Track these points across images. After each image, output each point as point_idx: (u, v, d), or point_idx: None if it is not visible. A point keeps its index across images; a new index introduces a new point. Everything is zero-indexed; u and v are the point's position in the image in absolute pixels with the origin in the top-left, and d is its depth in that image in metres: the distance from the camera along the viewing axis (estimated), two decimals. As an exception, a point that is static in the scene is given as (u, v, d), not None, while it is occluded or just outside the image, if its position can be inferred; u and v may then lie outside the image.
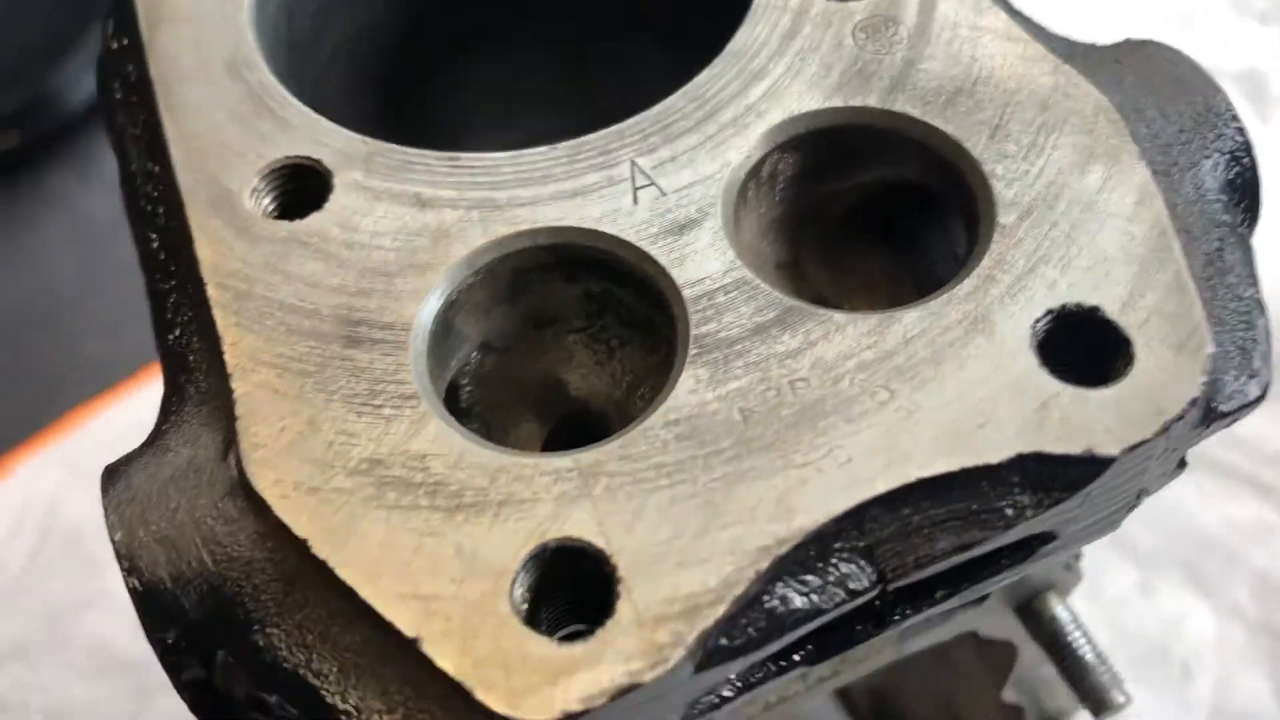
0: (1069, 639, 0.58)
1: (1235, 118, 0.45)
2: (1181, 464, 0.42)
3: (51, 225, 1.31)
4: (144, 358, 1.12)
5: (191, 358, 0.42)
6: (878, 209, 0.48)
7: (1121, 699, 0.58)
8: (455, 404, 0.45)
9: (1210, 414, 0.39)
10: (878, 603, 0.38)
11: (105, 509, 0.38)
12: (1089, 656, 0.58)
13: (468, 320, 0.43)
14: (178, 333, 0.42)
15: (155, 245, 0.44)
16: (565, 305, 0.44)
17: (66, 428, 1.12)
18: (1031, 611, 0.59)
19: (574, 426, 0.46)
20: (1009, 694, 0.70)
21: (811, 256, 0.48)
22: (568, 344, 0.45)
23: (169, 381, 0.42)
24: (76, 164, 1.32)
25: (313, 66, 0.56)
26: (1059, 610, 0.58)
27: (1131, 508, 0.42)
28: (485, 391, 0.45)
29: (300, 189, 0.44)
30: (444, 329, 0.42)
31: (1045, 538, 0.39)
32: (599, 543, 0.35)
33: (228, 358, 0.40)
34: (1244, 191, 0.45)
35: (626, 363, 0.45)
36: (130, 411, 1.10)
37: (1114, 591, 1.02)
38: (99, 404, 1.12)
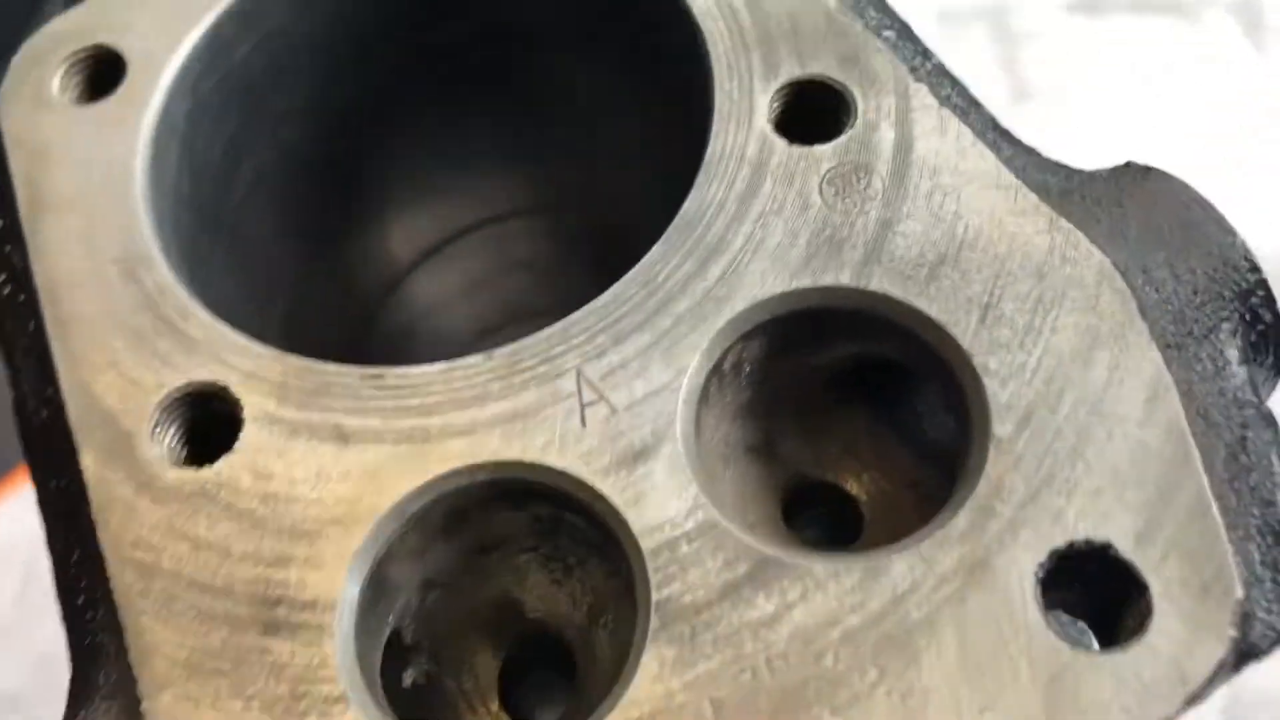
0: None
1: (1254, 267, 0.40)
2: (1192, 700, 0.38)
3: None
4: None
5: (99, 638, 0.37)
6: (857, 375, 0.43)
7: None
8: (399, 643, 0.40)
9: (1242, 658, 0.35)
10: None
11: None
12: None
13: (402, 569, 0.38)
14: (81, 603, 0.38)
15: (52, 489, 0.40)
16: (513, 529, 0.40)
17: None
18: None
19: (535, 649, 0.42)
20: None
21: (787, 434, 0.43)
22: (519, 564, 0.41)
23: (75, 669, 0.37)
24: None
25: (229, 208, 0.51)
26: None
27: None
28: (433, 627, 0.41)
29: (206, 420, 0.39)
30: (375, 590, 0.37)
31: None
32: None
33: (132, 655, 0.35)
34: (1267, 350, 0.40)
35: (586, 581, 0.41)
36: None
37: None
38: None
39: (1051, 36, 1.24)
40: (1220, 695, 1.01)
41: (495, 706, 0.42)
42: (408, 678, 0.41)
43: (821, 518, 0.44)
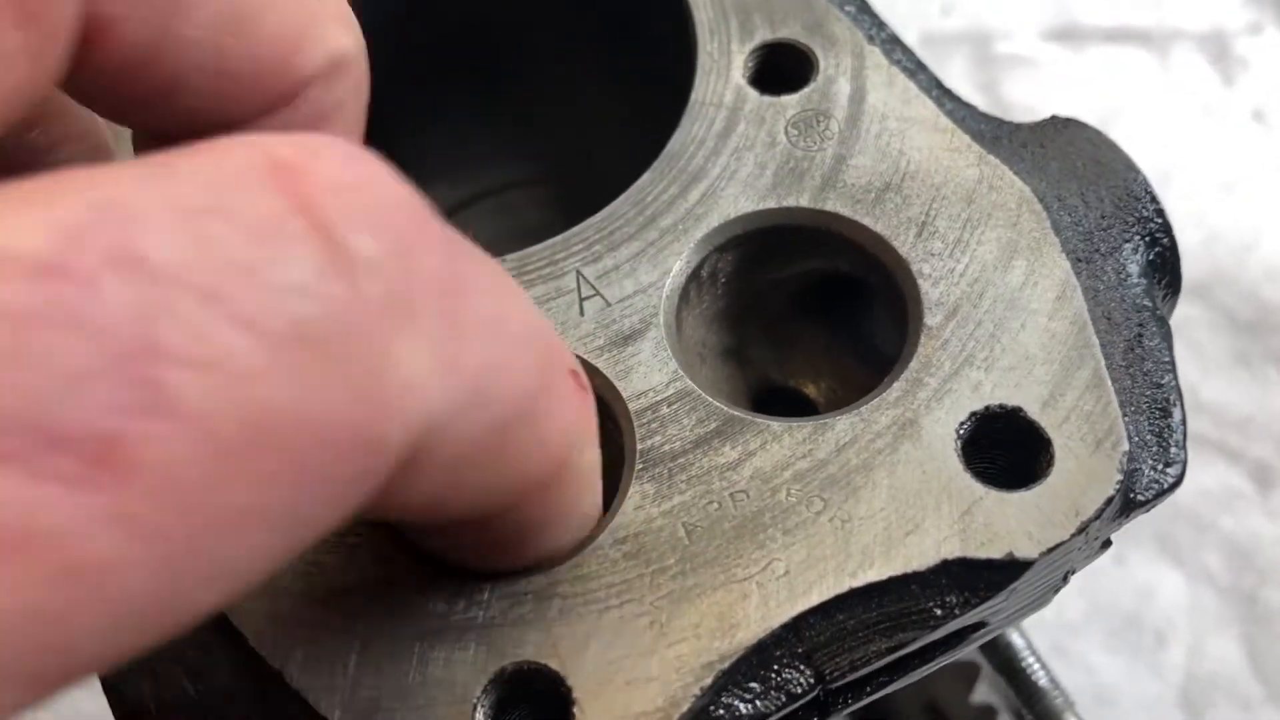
0: (1022, 664, 0.61)
1: (1154, 199, 0.47)
2: (1106, 543, 0.44)
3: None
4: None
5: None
6: (817, 293, 0.50)
7: (1075, 721, 0.61)
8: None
9: (1129, 504, 0.42)
10: (820, 698, 0.41)
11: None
12: (1042, 682, 0.61)
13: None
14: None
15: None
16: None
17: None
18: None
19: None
20: (982, 695, 0.73)
21: (756, 341, 0.50)
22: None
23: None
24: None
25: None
26: (1014, 637, 0.61)
27: (1058, 588, 0.44)
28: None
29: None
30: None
31: (976, 626, 0.42)
32: (554, 665, 0.38)
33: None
34: (1165, 270, 0.47)
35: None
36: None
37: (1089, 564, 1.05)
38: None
39: (1030, 62, 1.30)
40: (1176, 681, 1.07)
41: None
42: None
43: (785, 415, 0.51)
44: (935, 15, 1.35)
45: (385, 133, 0.68)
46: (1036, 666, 0.61)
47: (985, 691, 0.73)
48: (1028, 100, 1.27)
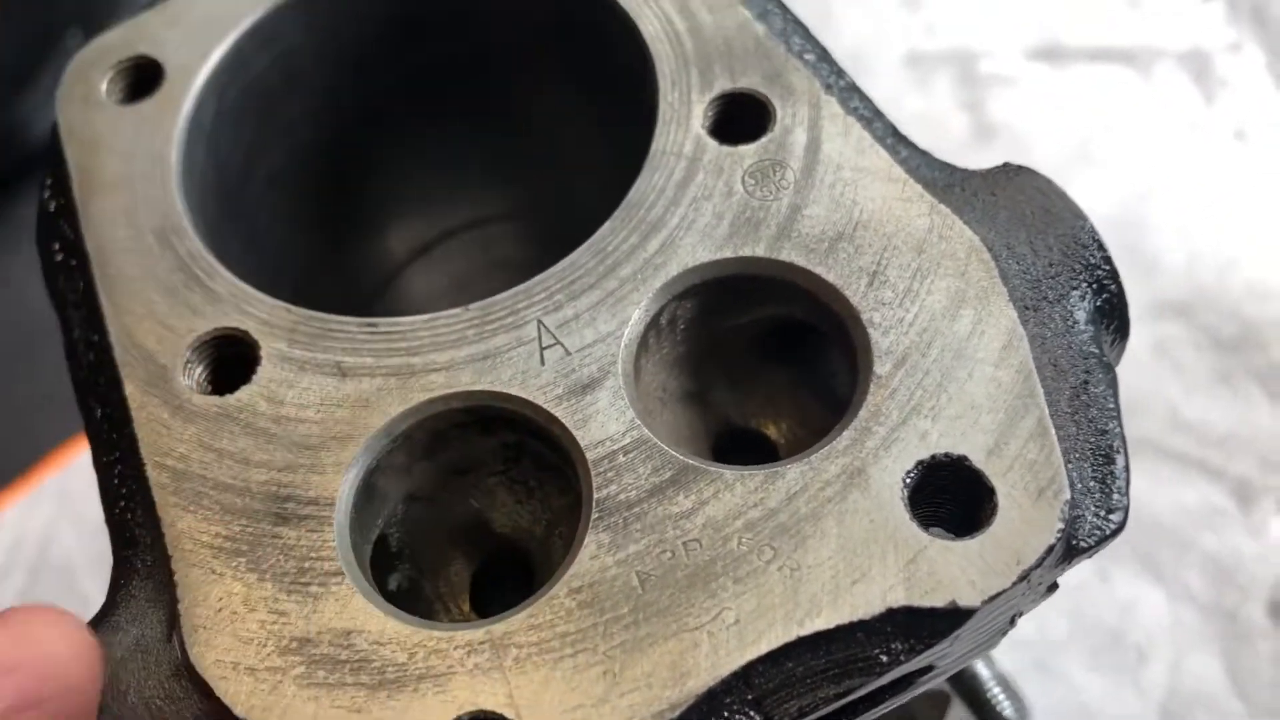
0: (988, 695, 0.62)
1: (1101, 246, 0.48)
2: (1053, 587, 0.45)
3: (22, 256, 1.34)
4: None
5: (136, 532, 0.45)
6: (775, 338, 0.51)
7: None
8: (386, 550, 0.48)
9: (1071, 551, 0.43)
10: (773, 741, 0.42)
11: (62, 692, 0.42)
12: (1008, 713, 0.62)
13: (390, 481, 0.46)
14: (122, 505, 0.46)
15: (98, 415, 0.48)
16: (483, 454, 0.48)
17: (54, 464, 1.15)
18: (954, 668, 0.63)
19: (502, 559, 0.49)
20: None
21: (717, 384, 0.51)
22: (489, 485, 0.49)
23: (117, 554, 0.45)
24: (45, 195, 1.34)
25: (248, 203, 0.59)
26: (980, 668, 0.62)
27: (1005, 632, 0.45)
28: (414, 537, 0.49)
29: (229, 359, 0.47)
30: (366, 495, 0.45)
31: (923, 671, 0.43)
32: (509, 714, 0.39)
33: (167, 539, 0.43)
34: (1112, 316, 0.48)
35: (544, 502, 0.48)
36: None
37: (1074, 580, 1.06)
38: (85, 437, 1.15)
39: (1014, 81, 1.31)
40: (1158, 698, 1.08)
41: (466, 607, 0.50)
42: (392, 582, 0.49)
43: (746, 460, 0.52)
44: (920, 35, 1.37)
45: (364, 168, 0.70)
46: (1002, 698, 0.62)
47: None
48: (1012, 118, 1.28)
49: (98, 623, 0.44)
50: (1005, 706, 0.62)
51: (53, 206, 0.53)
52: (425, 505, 0.48)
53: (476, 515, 0.49)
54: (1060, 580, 0.45)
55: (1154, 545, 1.06)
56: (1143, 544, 1.06)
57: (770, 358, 0.52)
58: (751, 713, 0.40)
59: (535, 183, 0.72)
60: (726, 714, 0.40)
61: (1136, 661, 1.03)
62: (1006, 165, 0.51)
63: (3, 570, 1.11)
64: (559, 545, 0.48)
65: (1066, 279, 0.47)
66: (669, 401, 0.50)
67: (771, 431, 0.52)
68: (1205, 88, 1.30)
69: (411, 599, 0.49)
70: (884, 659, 0.41)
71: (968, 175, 0.51)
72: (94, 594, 1.08)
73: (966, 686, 0.62)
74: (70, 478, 1.13)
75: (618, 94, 0.58)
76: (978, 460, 0.42)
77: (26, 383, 1.27)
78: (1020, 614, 0.45)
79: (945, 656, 0.43)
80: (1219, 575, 1.06)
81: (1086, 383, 0.46)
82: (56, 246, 0.52)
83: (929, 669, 0.43)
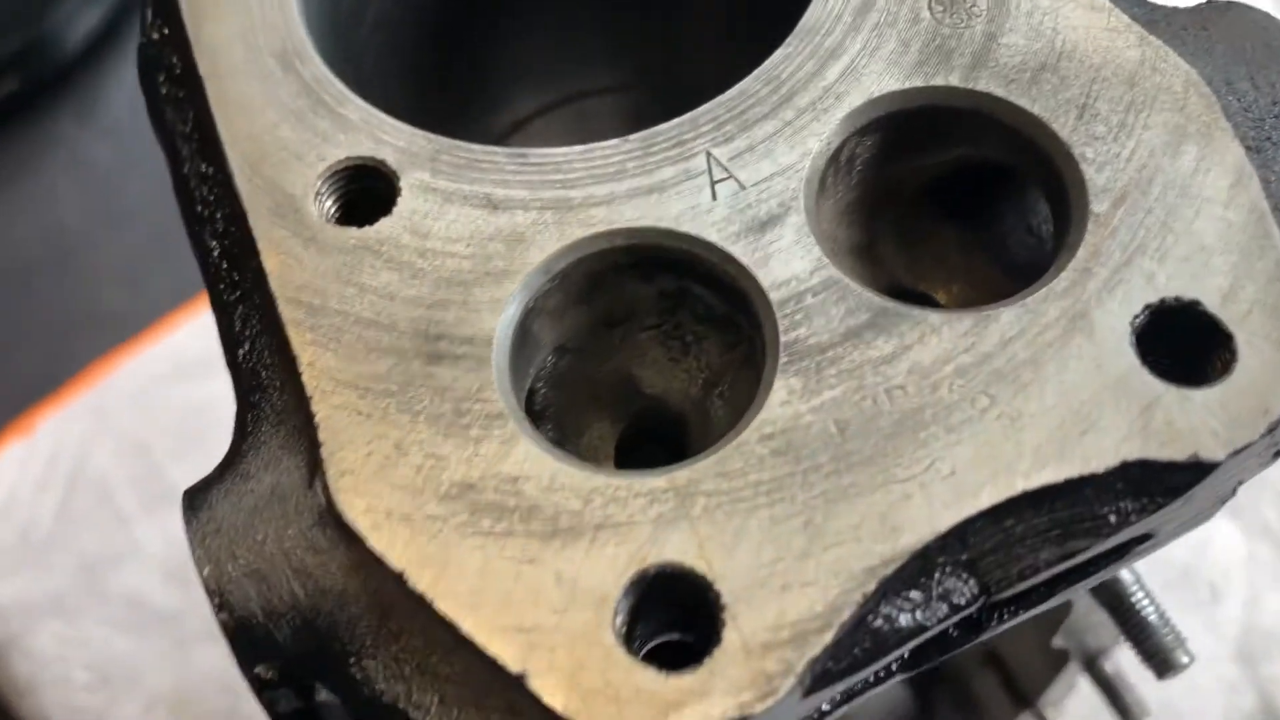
0: (1132, 600, 0.58)
1: (1328, 84, 0.43)
2: (1278, 453, 0.41)
3: (55, 170, 1.29)
4: (162, 306, 1.11)
5: (264, 374, 0.40)
6: (950, 185, 0.47)
7: (1185, 659, 0.58)
8: (530, 408, 0.44)
9: (1315, 408, 0.38)
10: (976, 616, 0.37)
11: (190, 542, 0.38)
12: (1152, 618, 0.58)
13: (544, 326, 0.42)
14: (248, 348, 0.41)
15: (216, 253, 0.43)
16: (639, 303, 0.43)
17: (90, 380, 1.11)
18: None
19: (649, 425, 0.45)
20: (1056, 640, 0.70)
21: (886, 238, 0.47)
22: (640, 341, 0.44)
23: (241, 399, 0.41)
24: (77, 106, 1.30)
25: (356, 45, 0.54)
26: (1122, 572, 0.58)
27: (1226, 499, 0.41)
28: (559, 394, 0.44)
29: (365, 191, 0.43)
30: (522, 338, 0.41)
31: (1143, 538, 0.39)
32: (700, 567, 0.35)
33: (305, 379, 0.39)
34: (1339, 160, 0.43)
35: (702, 358, 0.44)
36: (153, 362, 1.08)
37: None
38: (121, 354, 1.11)
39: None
40: (1232, 634, 1.03)
41: (612, 472, 0.45)
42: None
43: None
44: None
45: (469, 27, 0.65)
46: (1146, 601, 0.58)
47: (1058, 639, 0.69)
48: None
49: (223, 470, 0.39)
50: (1150, 611, 0.58)
51: (156, 35, 0.48)
52: (573, 358, 0.44)
53: (624, 373, 0.45)
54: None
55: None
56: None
57: (944, 213, 0.47)
58: (965, 575, 0.36)
59: (645, 55, 0.67)
60: (939, 575, 0.36)
61: (1210, 599, 0.99)
62: (1213, 2, 0.46)
63: (40, 483, 1.08)
64: (719, 406, 0.44)
65: (1292, 118, 0.43)
66: (839, 253, 0.45)
67: (941, 296, 0.48)
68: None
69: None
70: (1112, 519, 0.36)
71: (1170, 12, 0.46)
72: (129, 508, 1.05)
73: (1109, 591, 0.58)
74: (104, 394, 1.10)
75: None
76: (1212, 304, 0.38)
77: (61, 299, 1.23)
78: (1242, 481, 0.41)
79: (1168, 522, 0.39)
80: (1297, 510, 1.02)
81: (1317, 230, 0.41)
82: (162, 78, 0.47)
83: (1148, 536, 0.39)
